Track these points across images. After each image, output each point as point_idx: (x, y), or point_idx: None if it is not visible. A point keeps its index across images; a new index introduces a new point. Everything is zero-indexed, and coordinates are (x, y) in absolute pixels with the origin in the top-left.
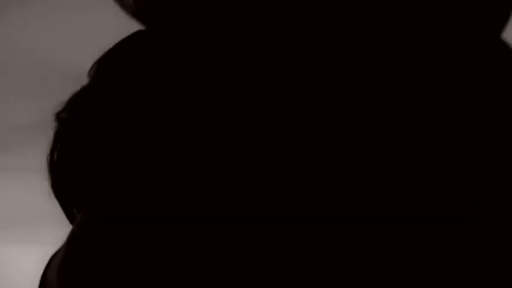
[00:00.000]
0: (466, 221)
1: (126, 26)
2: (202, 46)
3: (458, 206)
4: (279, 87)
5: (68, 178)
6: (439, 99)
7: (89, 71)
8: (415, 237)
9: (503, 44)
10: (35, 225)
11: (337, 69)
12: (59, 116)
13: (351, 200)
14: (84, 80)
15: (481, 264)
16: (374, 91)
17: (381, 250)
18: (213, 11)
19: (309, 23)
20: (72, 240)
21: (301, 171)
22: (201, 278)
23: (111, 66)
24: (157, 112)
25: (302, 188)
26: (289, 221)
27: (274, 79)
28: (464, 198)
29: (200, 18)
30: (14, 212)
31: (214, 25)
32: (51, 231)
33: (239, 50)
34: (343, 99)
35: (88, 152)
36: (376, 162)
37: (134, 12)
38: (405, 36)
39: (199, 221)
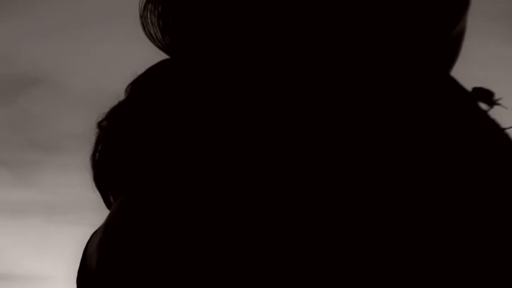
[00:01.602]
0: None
1: (154, 56)
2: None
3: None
4: (278, 88)
5: (106, 173)
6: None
7: (125, 90)
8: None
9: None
10: (81, 210)
11: (336, 69)
12: (100, 124)
13: (351, 200)
14: (121, 97)
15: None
16: (373, 91)
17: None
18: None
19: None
20: (109, 223)
21: (302, 171)
22: (207, 278)
23: (141, 86)
24: (169, 119)
25: (303, 188)
26: (290, 220)
27: (274, 79)
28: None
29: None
30: (65, 201)
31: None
32: (93, 214)
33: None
34: (342, 100)
35: (123, 152)
36: (376, 163)
37: (161, 45)
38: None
39: (207, 220)
